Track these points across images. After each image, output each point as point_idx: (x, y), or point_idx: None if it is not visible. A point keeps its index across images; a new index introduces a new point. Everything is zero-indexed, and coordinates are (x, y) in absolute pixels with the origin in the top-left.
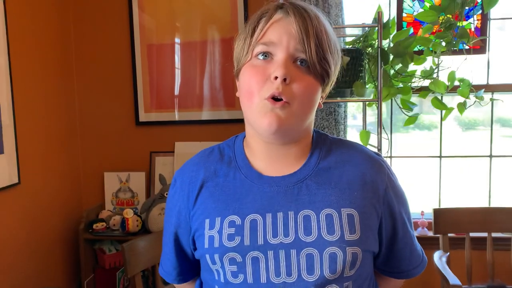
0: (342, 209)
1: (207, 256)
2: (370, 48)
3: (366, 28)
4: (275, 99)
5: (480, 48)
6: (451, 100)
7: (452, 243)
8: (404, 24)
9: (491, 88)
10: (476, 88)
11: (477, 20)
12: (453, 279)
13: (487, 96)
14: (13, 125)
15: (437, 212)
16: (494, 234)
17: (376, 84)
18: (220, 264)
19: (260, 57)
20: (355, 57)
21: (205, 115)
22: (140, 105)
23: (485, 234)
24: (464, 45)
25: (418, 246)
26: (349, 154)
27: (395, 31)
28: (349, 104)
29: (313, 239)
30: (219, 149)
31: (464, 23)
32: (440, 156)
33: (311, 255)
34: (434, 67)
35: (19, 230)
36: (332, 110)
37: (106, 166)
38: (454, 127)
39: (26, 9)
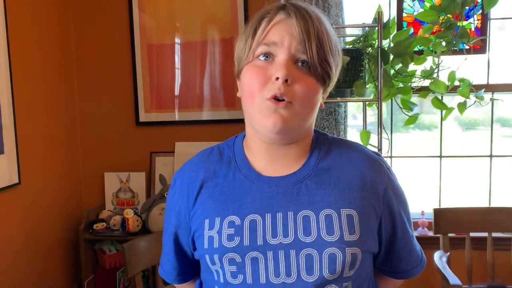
0: (341, 209)
1: (207, 256)
2: (370, 48)
3: (366, 28)
4: (277, 99)
5: (480, 48)
6: (451, 100)
7: (452, 243)
8: (404, 24)
9: (491, 88)
10: (476, 88)
11: (477, 20)
12: (453, 279)
13: (487, 96)
14: (13, 125)
15: (437, 212)
16: (494, 234)
17: (376, 84)
18: (220, 265)
19: (262, 58)
20: (355, 57)
21: (205, 115)
22: (140, 105)
23: (485, 234)
24: (464, 45)
25: (418, 246)
26: (349, 154)
27: (395, 31)
28: (349, 104)
29: (313, 240)
30: (219, 149)
31: (464, 23)
32: (440, 156)
33: (311, 256)
34: (434, 67)
35: (19, 230)
36: (332, 110)
37: (106, 166)
38: (454, 127)
39: (26, 9)
